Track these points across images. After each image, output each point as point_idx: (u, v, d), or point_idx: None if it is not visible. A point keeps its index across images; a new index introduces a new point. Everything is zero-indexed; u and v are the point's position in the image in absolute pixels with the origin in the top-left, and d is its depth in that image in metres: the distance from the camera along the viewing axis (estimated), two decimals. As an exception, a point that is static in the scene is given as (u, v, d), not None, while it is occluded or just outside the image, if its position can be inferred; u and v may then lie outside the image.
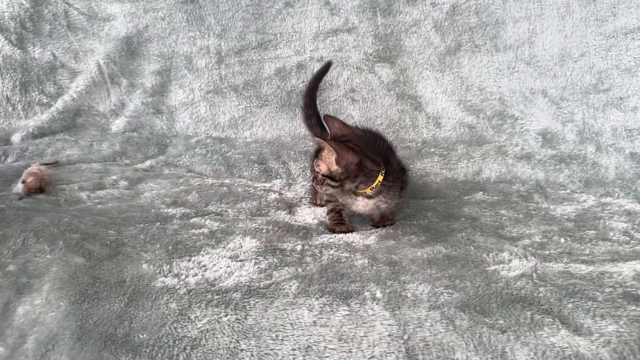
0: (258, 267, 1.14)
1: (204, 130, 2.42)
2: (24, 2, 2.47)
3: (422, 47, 2.28)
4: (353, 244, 1.32)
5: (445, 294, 1.02)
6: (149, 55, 2.49)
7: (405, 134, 2.25)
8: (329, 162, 1.34)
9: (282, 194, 1.81)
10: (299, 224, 1.49)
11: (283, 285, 1.06)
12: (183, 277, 1.09)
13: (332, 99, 2.35)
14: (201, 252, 1.22)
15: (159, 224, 1.40)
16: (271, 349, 0.87)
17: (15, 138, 2.30)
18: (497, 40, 2.19)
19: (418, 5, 2.27)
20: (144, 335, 0.90)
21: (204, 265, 1.15)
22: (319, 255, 1.23)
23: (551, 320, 0.92)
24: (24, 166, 1.70)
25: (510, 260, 1.18)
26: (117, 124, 2.45)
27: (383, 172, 1.37)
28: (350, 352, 0.87)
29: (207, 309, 0.97)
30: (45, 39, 2.51)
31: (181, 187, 1.79)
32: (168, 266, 1.14)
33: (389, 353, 0.86)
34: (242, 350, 0.87)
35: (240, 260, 1.17)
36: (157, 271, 1.11)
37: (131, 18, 2.48)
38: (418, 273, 1.12)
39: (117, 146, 2.25)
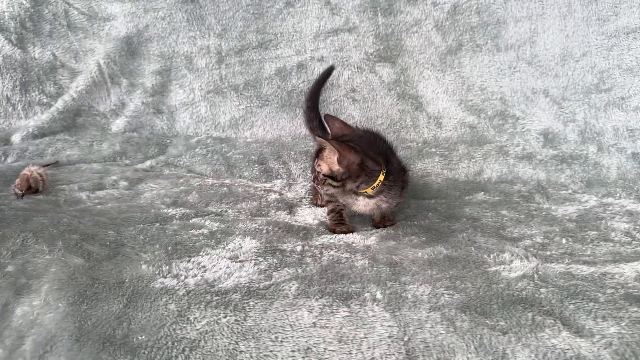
0: (258, 268, 1.14)
1: (205, 130, 2.42)
2: (24, 2, 2.47)
3: (423, 47, 2.27)
4: (353, 245, 1.31)
5: (445, 295, 1.02)
6: (149, 55, 2.49)
7: (406, 134, 2.24)
8: (330, 162, 1.34)
9: (282, 194, 1.81)
10: (299, 224, 1.48)
11: (283, 286, 1.06)
12: (182, 278, 1.09)
13: (333, 99, 2.34)
14: (201, 253, 1.21)
15: (158, 224, 1.40)
16: (270, 351, 0.87)
17: (15, 138, 2.30)
18: (498, 40, 2.18)
19: (419, 4, 2.26)
20: (143, 337, 0.90)
21: (204, 266, 1.14)
22: (319, 256, 1.23)
23: (552, 321, 0.92)
24: (23, 166, 1.70)
25: (511, 261, 1.18)
26: (117, 124, 2.45)
27: (384, 171, 1.37)
28: (350, 353, 0.86)
29: (206, 310, 0.96)
30: (46, 38, 2.51)
31: (181, 188, 1.79)
32: (167, 267, 1.13)
33: (389, 355, 0.86)
34: (241, 351, 0.87)
35: (240, 261, 1.17)
36: (157, 272, 1.11)
37: (131, 18, 2.47)
38: (419, 274, 1.12)
39: (117, 146, 2.25)
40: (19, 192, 1.59)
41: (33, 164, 1.73)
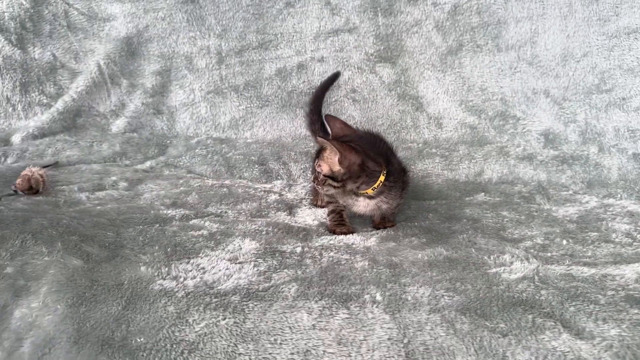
0: (257, 270, 1.14)
1: (205, 130, 2.42)
2: (24, 3, 2.47)
3: (423, 47, 2.27)
4: (353, 246, 1.31)
5: (445, 297, 1.01)
6: (149, 55, 2.49)
7: (406, 135, 2.24)
8: (331, 162, 1.34)
9: (282, 195, 1.80)
10: (299, 225, 1.48)
11: (282, 288, 1.05)
12: (181, 279, 1.09)
13: (333, 99, 2.34)
14: (200, 255, 1.21)
15: (158, 225, 1.40)
16: (269, 353, 0.87)
17: (15, 139, 2.30)
18: (499, 40, 2.18)
19: (419, 5, 2.26)
20: (142, 339, 0.89)
21: (203, 268, 1.14)
22: (318, 257, 1.22)
23: (553, 323, 0.91)
24: (24, 167, 1.70)
25: (511, 263, 1.17)
26: (117, 125, 2.44)
27: (384, 172, 1.36)
28: (350, 356, 0.86)
29: (205, 312, 0.96)
30: (46, 39, 2.50)
31: (181, 188, 1.79)
32: (166, 269, 1.13)
33: (388, 357, 0.85)
34: (240, 354, 0.86)
35: (240, 263, 1.17)
36: (156, 274, 1.11)
37: (131, 18, 2.47)
38: (419, 275, 1.11)
39: (117, 147, 2.24)
40: (19, 192, 1.59)
41: (34, 165, 1.73)
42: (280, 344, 0.89)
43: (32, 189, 1.60)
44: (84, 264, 1.12)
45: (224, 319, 0.94)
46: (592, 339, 0.87)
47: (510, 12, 2.15)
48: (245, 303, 0.99)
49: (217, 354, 0.86)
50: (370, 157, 1.35)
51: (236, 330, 0.91)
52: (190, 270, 1.13)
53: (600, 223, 1.48)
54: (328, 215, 1.50)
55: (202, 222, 1.45)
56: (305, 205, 1.68)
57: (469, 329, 0.90)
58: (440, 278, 1.10)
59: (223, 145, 2.25)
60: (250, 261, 1.18)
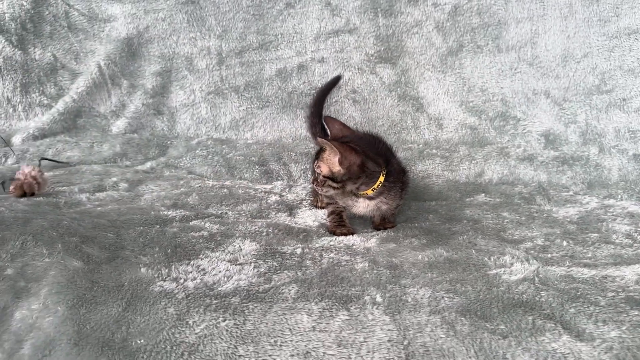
0: (257, 271, 1.14)
1: (205, 131, 2.42)
2: (25, 3, 2.47)
3: (423, 48, 2.27)
4: (353, 247, 1.31)
5: (446, 299, 1.01)
6: (150, 56, 2.49)
7: (406, 135, 2.24)
8: (330, 163, 1.34)
9: (282, 196, 1.80)
10: (300, 226, 1.48)
11: (282, 290, 1.05)
12: (182, 281, 1.08)
13: (334, 100, 2.34)
14: (200, 256, 1.21)
15: (158, 226, 1.40)
16: (269, 355, 0.86)
17: (16, 139, 2.30)
18: (499, 41, 2.18)
19: (420, 5, 2.26)
20: (142, 341, 0.89)
21: (203, 269, 1.14)
22: (319, 258, 1.22)
23: (553, 325, 0.91)
24: (19, 166, 1.68)
25: (511, 264, 1.17)
26: (118, 125, 2.44)
27: (384, 173, 1.36)
28: (350, 357, 0.86)
29: (206, 313, 0.96)
30: (46, 40, 2.51)
31: (181, 189, 1.79)
32: (167, 270, 1.13)
33: (388, 359, 0.85)
34: (240, 356, 0.86)
35: (240, 264, 1.17)
36: (156, 275, 1.10)
37: (132, 19, 2.47)
38: (419, 277, 1.11)
39: (117, 147, 2.25)
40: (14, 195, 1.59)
41: (28, 164, 1.71)
42: (280, 345, 0.88)
43: (25, 195, 1.60)
44: (84, 265, 1.12)
45: (224, 320, 0.94)
46: (592, 340, 0.87)
47: (511, 12, 2.15)
48: (245, 304, 0.99)
49: (217, 355, 0.86)
50: (370, 157, 1.35)
51: (236, 332, 0.91)
52: (191, 272, 1.13)
53: (600, 224, 1.48)
54: (328, 216, 1.50)
55: (203, 223, 1.45)
56: (306, 206, 1.68)
57: (469, 330, 0.90)
58: (441, 279, 1.10)
59: (223, 146, 2.25)
60: (251, 262, 1.17)
